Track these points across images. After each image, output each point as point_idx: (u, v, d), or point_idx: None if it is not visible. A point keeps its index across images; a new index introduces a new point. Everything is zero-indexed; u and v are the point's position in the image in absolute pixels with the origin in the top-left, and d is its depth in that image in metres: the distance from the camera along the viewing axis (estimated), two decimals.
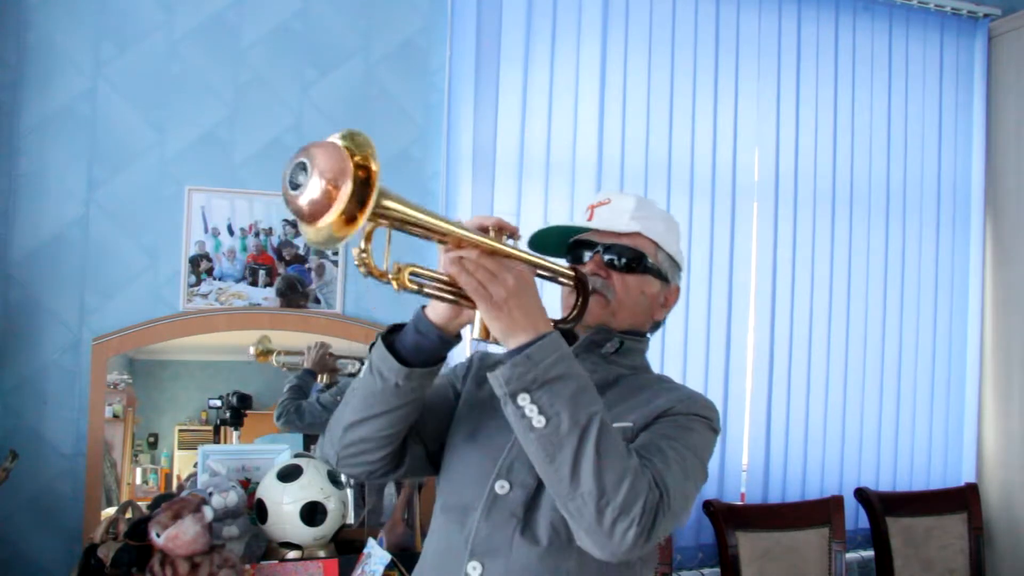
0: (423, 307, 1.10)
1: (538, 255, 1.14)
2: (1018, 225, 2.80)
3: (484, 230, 1.06)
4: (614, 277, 1.22)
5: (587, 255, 1.25)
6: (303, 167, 0.81)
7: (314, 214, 0.80)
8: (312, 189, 0.80)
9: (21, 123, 2.02)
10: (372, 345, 1.09)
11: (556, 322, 1.16)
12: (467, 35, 2.28)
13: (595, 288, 1.21)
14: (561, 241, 1.30)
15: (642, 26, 2.46)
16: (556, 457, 0.96)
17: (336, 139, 0.84)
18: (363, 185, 0.81)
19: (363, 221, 0.81)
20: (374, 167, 0.82)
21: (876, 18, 2.77)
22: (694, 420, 1.15)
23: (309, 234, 0.83)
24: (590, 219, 1.26)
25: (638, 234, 1.24)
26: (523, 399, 0.96)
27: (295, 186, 0.81)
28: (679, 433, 1.11)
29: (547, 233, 1.30)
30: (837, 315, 2.70)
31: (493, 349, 1.21)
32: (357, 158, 0.82)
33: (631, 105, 2.44)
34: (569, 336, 1.23)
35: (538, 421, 0.96)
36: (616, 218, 1.24)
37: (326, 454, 1.19)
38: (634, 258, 1.23)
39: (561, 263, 1.21)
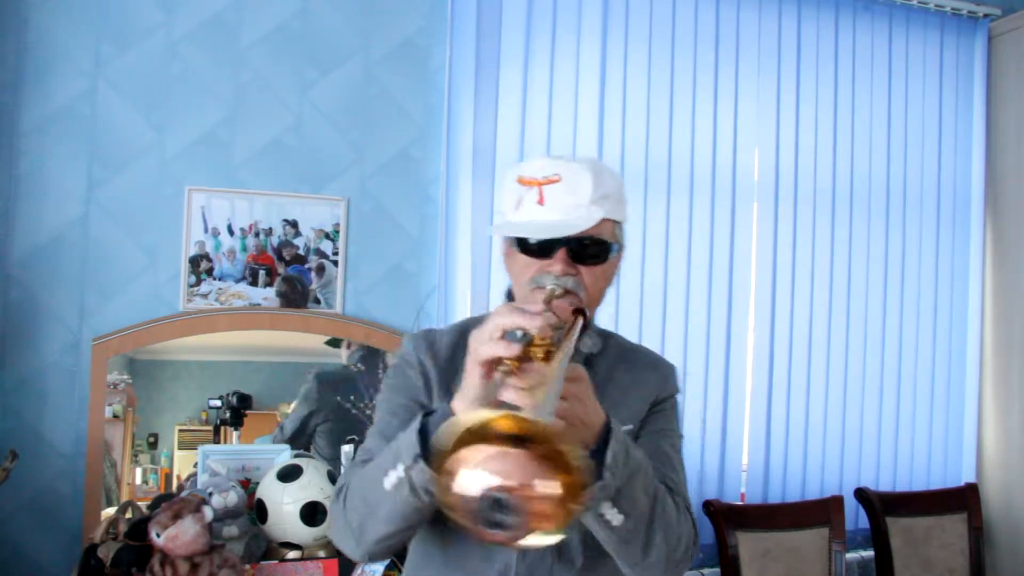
0: (441, 410, 0.97)
1: (565, 343, 0.98)
2: (1018, 225, 2.80)
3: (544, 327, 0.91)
4: (582, 272, 1.12)
5: (554, 247, 1.12)
6: (499, 503, 0.68)
7: (546, 519, 0.70)
8: (527, 518, 0.69)
9: (21, 123, 2.02)
10: (408, 467, 0.94)
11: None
12: (467, 35, 2.28)
13: (567, 289, 1.10)
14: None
15: (642, 26, 2.46)
16: (631, 541, 0.99)
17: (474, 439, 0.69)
18: (560, 460, 0.68)
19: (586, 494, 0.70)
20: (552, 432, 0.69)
21: (876, 18, 2.77)
22: (674, 399, 1.21)
23: (540, 536, 0.72)
24: (540, 201, 1.11)
25: (602, 219, 1.12)
26: (606, 508, 0.94)
27: (499, 525, 0.69)
28: (671, 424, 1.18)
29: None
30: (837, 315, 2.70)
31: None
32: (539, 442, 0.68)
33: (631, 105, 2.44)
34: None
35: (617, 520, 0.95)
36: (576, 202, 1.10)
37: (349, 553, 1.09)
38: (602, 248, 1.14)
39: (574, 329, 1.06)
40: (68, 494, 2.03)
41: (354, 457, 1.22)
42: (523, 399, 0.82)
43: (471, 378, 0.94)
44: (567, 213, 1.10)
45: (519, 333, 0.92)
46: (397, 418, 1.12)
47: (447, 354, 1.17)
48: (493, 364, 0.91)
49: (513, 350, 0.89)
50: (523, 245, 1.13)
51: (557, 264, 1.10)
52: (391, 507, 0.97)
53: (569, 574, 1.10)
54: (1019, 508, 2.75)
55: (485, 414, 0.70)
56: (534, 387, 0.84)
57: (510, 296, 1.21)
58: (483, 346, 0.92)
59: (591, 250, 1.12)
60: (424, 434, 0.94)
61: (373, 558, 1.08)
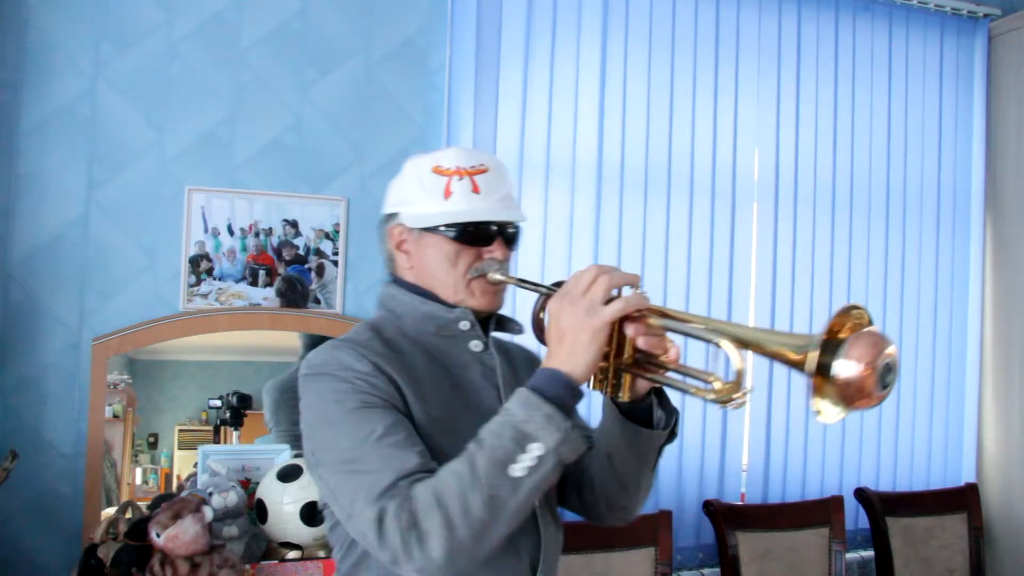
0: (552, 377, 0.97)
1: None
2: (1018, 225, 2.80)
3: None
4: (508, 257, 1.17)
5: (493, 235, 1.14)
6: (888, 367, 0.85)
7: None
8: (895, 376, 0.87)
9: (21, 123, 2.02)
10: (559, 441, 0.93)
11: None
12: (467, 35, 2.28)
13: (506, 274, 1.14)
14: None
15: (642, 26, 2.46)
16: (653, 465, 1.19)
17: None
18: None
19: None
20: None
21: (876, 18, 2.77)
22: None
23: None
24: (476, 190, 1.11)
25: None
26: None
27: (886, 385, 0.86)
28: None
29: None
30: None
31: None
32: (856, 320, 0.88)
33: (631, 105, 2.44)
34: (484, 328, 1.18)
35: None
36: (507, 191, 1.16)
37: (458, 567, 0.94)
38: (519, 235, 1.19)
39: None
40: (68, 494, 2.03)
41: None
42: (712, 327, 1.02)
43: (598, 336, 0.97)
44: (504, 201, 1.14)
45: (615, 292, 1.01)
46: (398, 433, 1.01)
47: (388, 356, 1.10)
48: (627, 319, 1.00)
49: (648, 301, 1.01)
50: (459, 233, 1.12)
51: (499, 251, 1.14)
52: (526, 495, 0.93)
53: (559, 537, 1.20)
54: (1019, 508, 2.75)
55: (833, 322, 0.87)
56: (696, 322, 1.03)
57: (402, 284, 1.18)
58: (622, 302, 0.98)
59: (515, 236, 1.18)
60: (554, 404, 0.94)
61: (470, 568, 0.96)
